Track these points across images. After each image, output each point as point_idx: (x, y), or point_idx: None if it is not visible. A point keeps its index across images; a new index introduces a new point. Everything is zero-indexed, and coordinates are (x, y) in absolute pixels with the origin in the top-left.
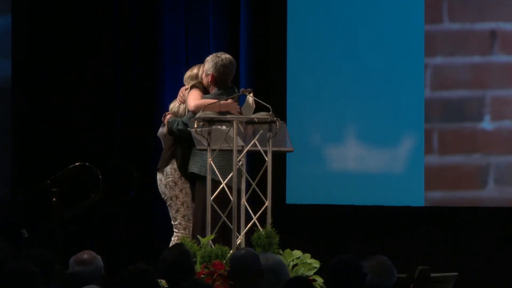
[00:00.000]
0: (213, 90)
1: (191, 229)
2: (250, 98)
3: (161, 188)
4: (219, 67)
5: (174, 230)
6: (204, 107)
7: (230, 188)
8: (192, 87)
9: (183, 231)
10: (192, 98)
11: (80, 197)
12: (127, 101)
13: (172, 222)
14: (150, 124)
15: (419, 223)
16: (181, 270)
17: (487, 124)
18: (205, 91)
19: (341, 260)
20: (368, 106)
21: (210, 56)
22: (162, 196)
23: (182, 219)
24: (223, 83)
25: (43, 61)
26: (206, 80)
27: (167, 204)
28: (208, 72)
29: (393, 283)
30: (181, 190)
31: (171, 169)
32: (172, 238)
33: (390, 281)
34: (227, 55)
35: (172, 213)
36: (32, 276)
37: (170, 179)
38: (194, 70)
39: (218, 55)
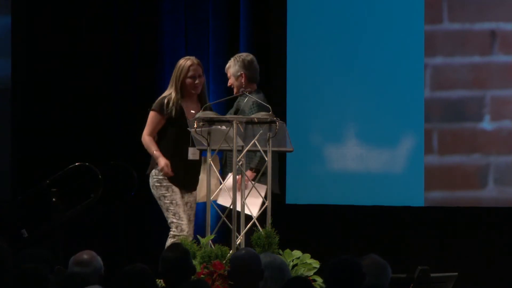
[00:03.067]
0: (249, 90)
1: (183, 227)
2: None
3: (152, 190)
4: (247, 64)
5: (170, 230)
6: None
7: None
8: (152, 109)
9: (175, 229)
10: (146, 129)
11: (80, 197)
12: (127, 101)
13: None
14: None
15: (419, 223)
16: (181, 269)
17: (487, 124)
18: (162, 110)
19: (340, 260)
20: (368, 106)
21: (231, 61)
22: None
23: (173, 217)
24: (255, 77)
25: (43, 61)
26: (238, 82)
27: (159, 205)
28: (238, 74)
29: (388, 281)
30: (167, 189)
31: (155, 170)
32: (168, 238)
33: (386, 279)
34: (245, 53)
35: (164, 213)
36: (41, 278)
37: (155, 179)
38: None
39: (239, 55)
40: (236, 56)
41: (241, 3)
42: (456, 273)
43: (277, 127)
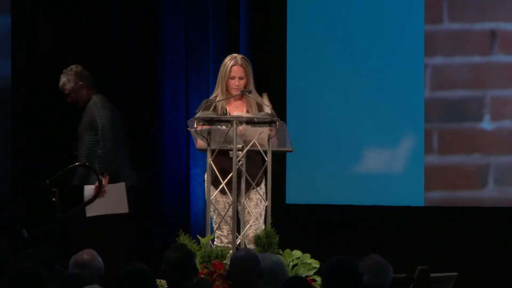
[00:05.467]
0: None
1: (222, 238)
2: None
3: None
4: (80, 74)
5: None
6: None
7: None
8: None
9: (216, 240)
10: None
11: (80, 197)
12: (126, 101)
13: None
14: (149, 124)
15: (419, 223)
16: (183, 270)
17: (487, 124)
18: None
19: (337, 260)
20: (368, 106)
21: (63, 78)
22: None
23: (215, 226)
24: (92, 84)
25: (43, 61)
26: (80, 94)
27: None
28: (78, 86)
29: (390, 281)
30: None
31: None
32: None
33: (387, 279)
34: (73, 65)
35: None
36: (40, 278)
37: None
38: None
39: (69, 70)
40: (65, 71)
41: (241, 3)
42: (456, 273)
43: (277, 127)
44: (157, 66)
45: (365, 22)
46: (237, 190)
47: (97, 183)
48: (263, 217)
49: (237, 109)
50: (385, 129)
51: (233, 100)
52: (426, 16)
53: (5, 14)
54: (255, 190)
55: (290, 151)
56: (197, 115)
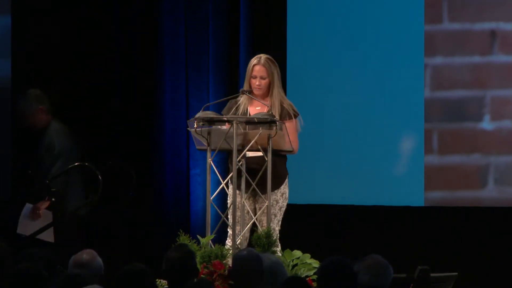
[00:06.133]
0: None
1: (231, 238)
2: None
3: None
4: (40, 97)
5: None
6: None
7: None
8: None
9: (227, 239)
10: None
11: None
12: (126, 101)
13: None
14: (149, 123)
15: (419, 223)
16: (184, 270)
17: (487, 124)
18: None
19: (330, 261)
20: (368, 106)
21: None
22: None
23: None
24: (50, 109)
25: (43, 61)
26: (39, 117)
27: None
28: (38, 108)
29: (390, 281)
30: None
31: None
32: None
33: (387, 279)
34: (32, 89)
35: None
36: (40, 278)
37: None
38: None
39: (30, 93)
40: (25, 95)
41: (241, 3)
42: (456, 273)
43: (277, 127)
44: (157, 66)
45: (365, 22)
46: (252, 191)
47: (43, 201)
48: (277, 218)
49: (258, 110)
50: (385, 129)
51: (256, 100)
52: (426, 16)
53: (5, 14)
54: (273, 191)
55: (290, 151)
56: (197, 115)
